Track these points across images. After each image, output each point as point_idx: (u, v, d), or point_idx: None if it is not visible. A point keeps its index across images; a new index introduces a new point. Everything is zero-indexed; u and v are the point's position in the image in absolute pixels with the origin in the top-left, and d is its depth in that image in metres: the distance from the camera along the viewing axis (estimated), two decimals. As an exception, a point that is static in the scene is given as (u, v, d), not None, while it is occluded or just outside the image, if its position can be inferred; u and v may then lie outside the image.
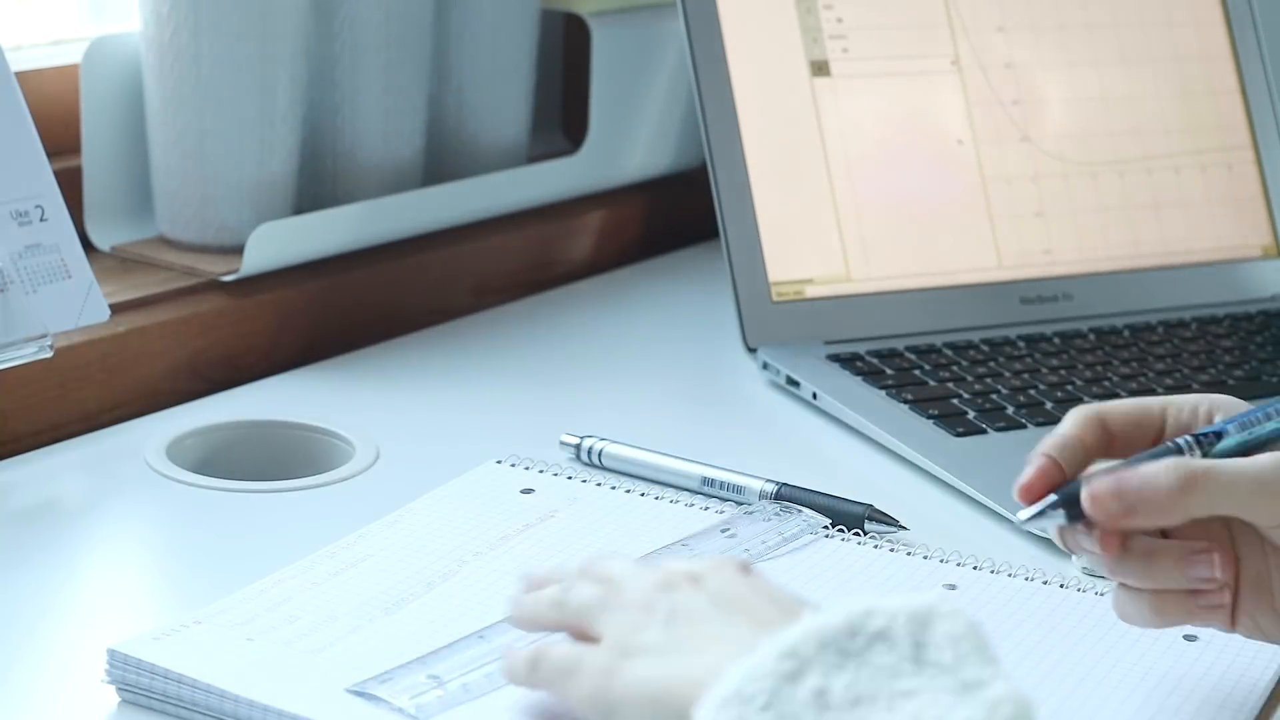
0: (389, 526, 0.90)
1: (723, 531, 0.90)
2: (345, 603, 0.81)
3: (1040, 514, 0.75)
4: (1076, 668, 0.81)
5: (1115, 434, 0.77)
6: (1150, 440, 0.78)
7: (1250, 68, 1.32)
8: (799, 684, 0.60)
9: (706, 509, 0.94)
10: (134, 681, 0.75)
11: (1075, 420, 0.77)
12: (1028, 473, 0.76)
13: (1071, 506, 0.74)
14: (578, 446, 1.01)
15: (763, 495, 0.96)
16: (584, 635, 0.71)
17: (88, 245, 1.15)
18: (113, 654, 0.75)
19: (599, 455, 1.00)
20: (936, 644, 0.61)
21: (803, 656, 0.60)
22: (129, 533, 0.96)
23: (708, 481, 0.98)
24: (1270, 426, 0.76)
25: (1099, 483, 0.73)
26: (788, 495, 0.95)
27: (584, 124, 1.38)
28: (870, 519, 0.93)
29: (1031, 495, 0.75)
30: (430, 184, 1.29)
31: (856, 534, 0.92)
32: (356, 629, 0.79)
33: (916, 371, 1.13)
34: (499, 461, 0.99)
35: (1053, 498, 0.75)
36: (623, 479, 0.98)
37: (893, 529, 0.93)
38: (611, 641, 0.68)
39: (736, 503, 0.96)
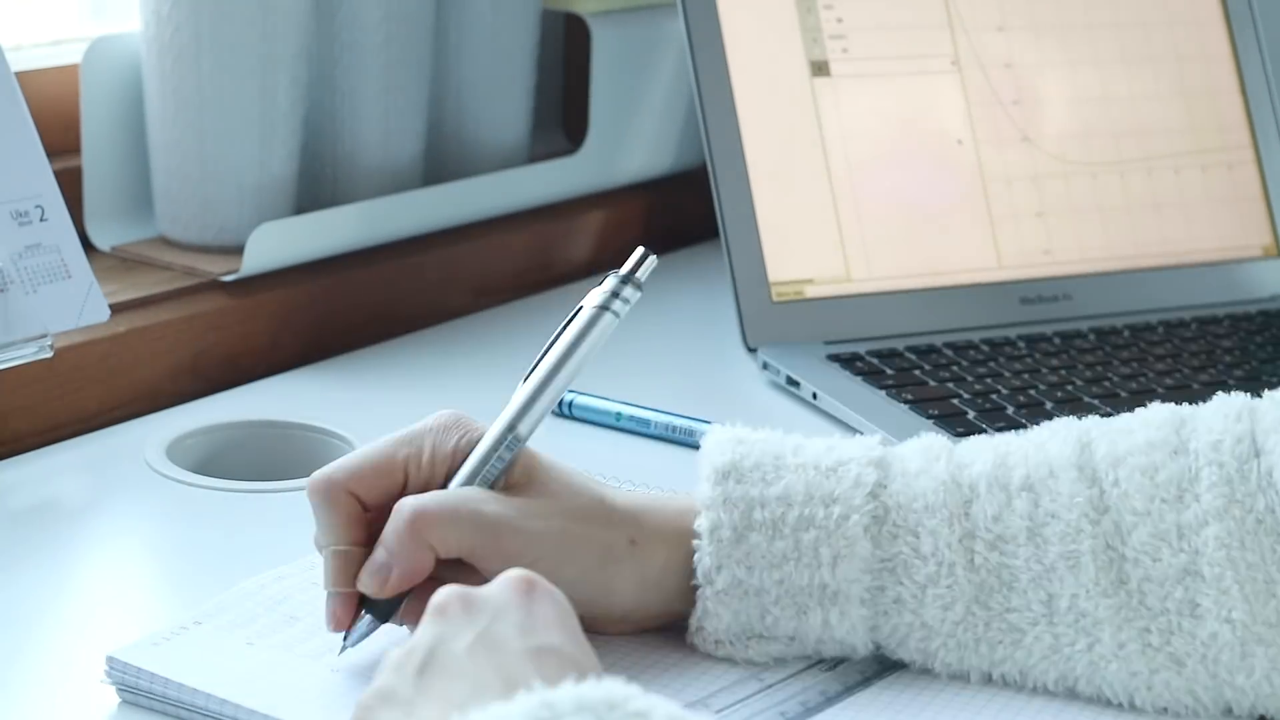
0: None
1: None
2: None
3: (356, 634, 0.77)
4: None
5: (364, 498, 0.78)
6: (399, 489, 0.79)
7: (1250, 67, 1.32)
8: None
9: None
10: (133, 685, 0.75)
11: (336, 522, 0.78)
12: (335, 615, 0.77)
13: (383, 611, 0.77)
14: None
15: None
16: None
17: (88, 245, 1.15)
18: (112, 660, 0.75)
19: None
20: None
21: (558, 710, 0.59)
22: (129, 533, 0.96)
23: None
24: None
25: (363, 579, 0.76)
26: None
27: (584, 124, 1.38)
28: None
29: (347, 626, 0.77)
30: (430, 184, 1.29)
31: None
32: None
33: (916, 372, 1.13)
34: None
35: (367, 618, 0.77)
36: (622, 480, 0.98)
37: None
38: (378, 681, 0.65)
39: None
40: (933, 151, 1.24)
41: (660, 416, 1.05)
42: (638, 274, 0.83)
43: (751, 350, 1.16)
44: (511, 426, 0.79)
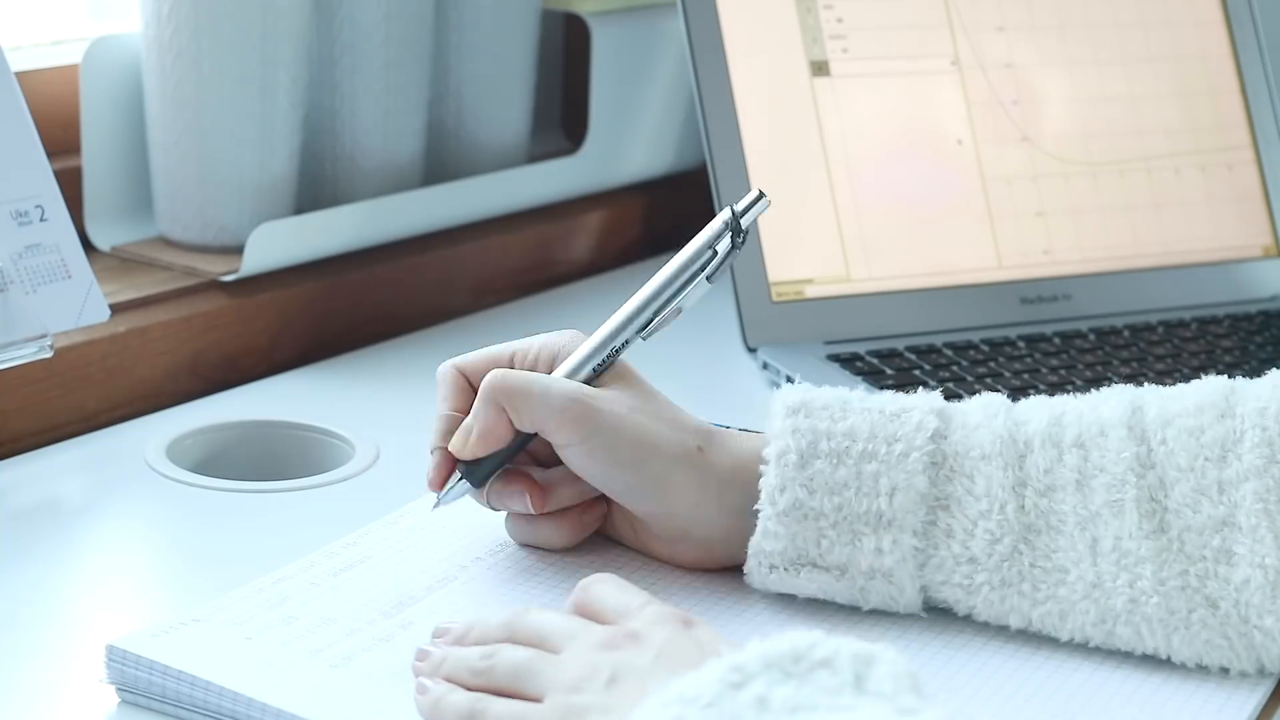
0: (389, 527, 0.90)
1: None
2: (344, 605, 0.81)
3: (449, 492, 0.87)
4: (1075, 673, 0.81)
5: (472, 379, 0.88)
6: None
7: (1250, 67, 1.32)
8: (741, 690, 0.63)
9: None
10: (131, 678, 0.75)
11: (446, 394, 0.88)
12: (431, 471, 0.87)
13: (471, 474, 0.86)
14: None
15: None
16: (517, 695, 0.71)
17: (88, 245, 1.15)
18: (111, 649, 0.75)
19: None
20: (877, 678, 0.64)
21: (747, 671, 0.64)
22: (128, 532, 0.96)
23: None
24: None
25: (452, 440, 0.86)
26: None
27: (584, 124, 1.38)
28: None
29: (440, 484, 0.87)
30: (430, 184, 1.29)
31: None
32: (354, 632, 0.79)
33: (916, 371, 1.13)
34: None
35: (457, 475, 0.87)
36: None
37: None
38: (554, 702, 0.69)
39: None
40: (933, 151, 1.24)
41: None
42: (748, 214, 0.89)
43: (751, 350, 1.16)
44: (612, 336, 0.87)
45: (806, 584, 0.83)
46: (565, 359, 0.87)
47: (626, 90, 1.40)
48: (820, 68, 1.22)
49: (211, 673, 0.74)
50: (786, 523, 0.82)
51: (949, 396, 1.08)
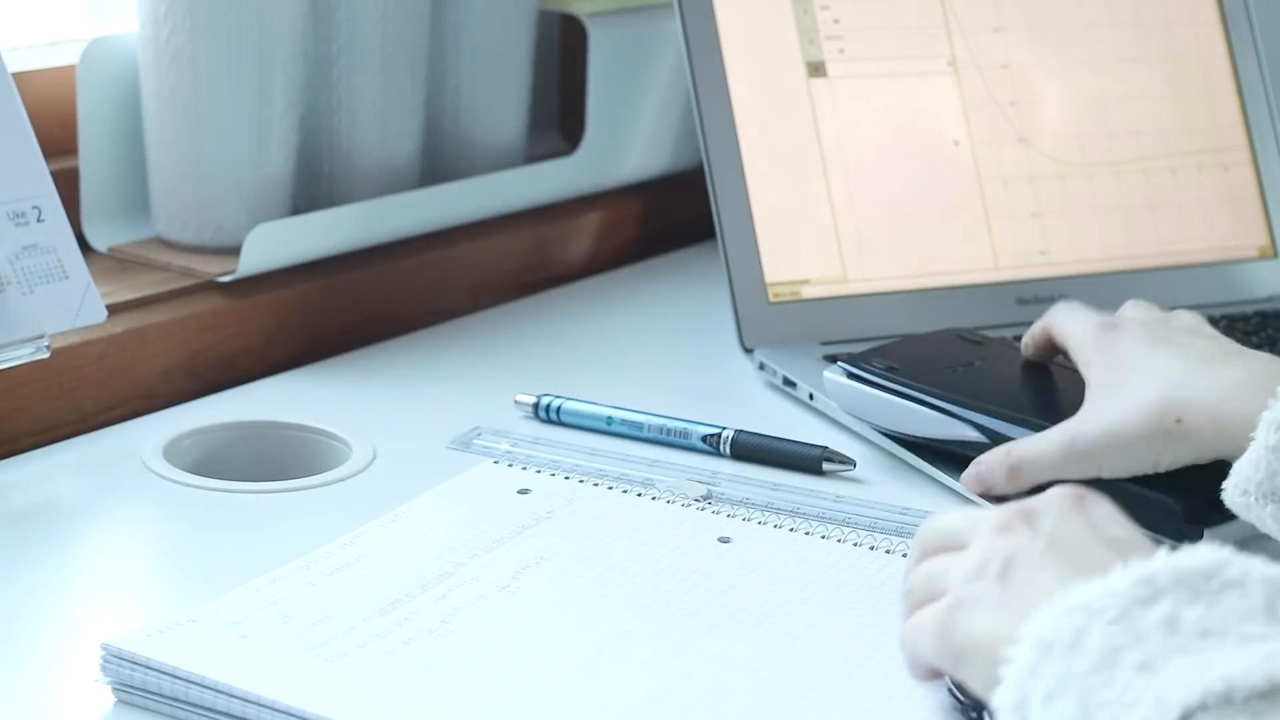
0: (385, 526, 0.90)
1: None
2: (339, 603, 0.81)
3: None
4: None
5: None
6: None
7: (1246, 68, 1.32)
8: (1150, 608, 0.62)
9: (703, 509, 0.94)
10: (127, 677, 0.75)
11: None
12: None
13: None
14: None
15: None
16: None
17: (85, 246, 1.15)
18: (107, 648, 0.75)
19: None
20: None
21: (1157, 585, 0.63)
22: (126, 533, 0.96)
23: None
24: None
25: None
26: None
27: (581, 125, 1.38)
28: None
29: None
30: (427, 184, 1.29)
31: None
32: (350, 629, 0.79)
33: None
34: (496, 462, 0.99)
35: None
36: (618, 480, 0.98)
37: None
38: (951, 596, 0.70)
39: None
40: (929, 152, 1.24)
41: (653, 419, 1.05)
42: None
43: (748, 351, 1.16)
44: None
45: (1272, 518, 0.84)
46: None
47: (623, 91, 1.40)
48: (817, 69, 1.22)
49: (207, 670, 0.74)
50: (1270, 460, 0.84)
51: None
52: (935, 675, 0.73)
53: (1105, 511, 0.71)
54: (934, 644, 0.70)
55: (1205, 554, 0.63)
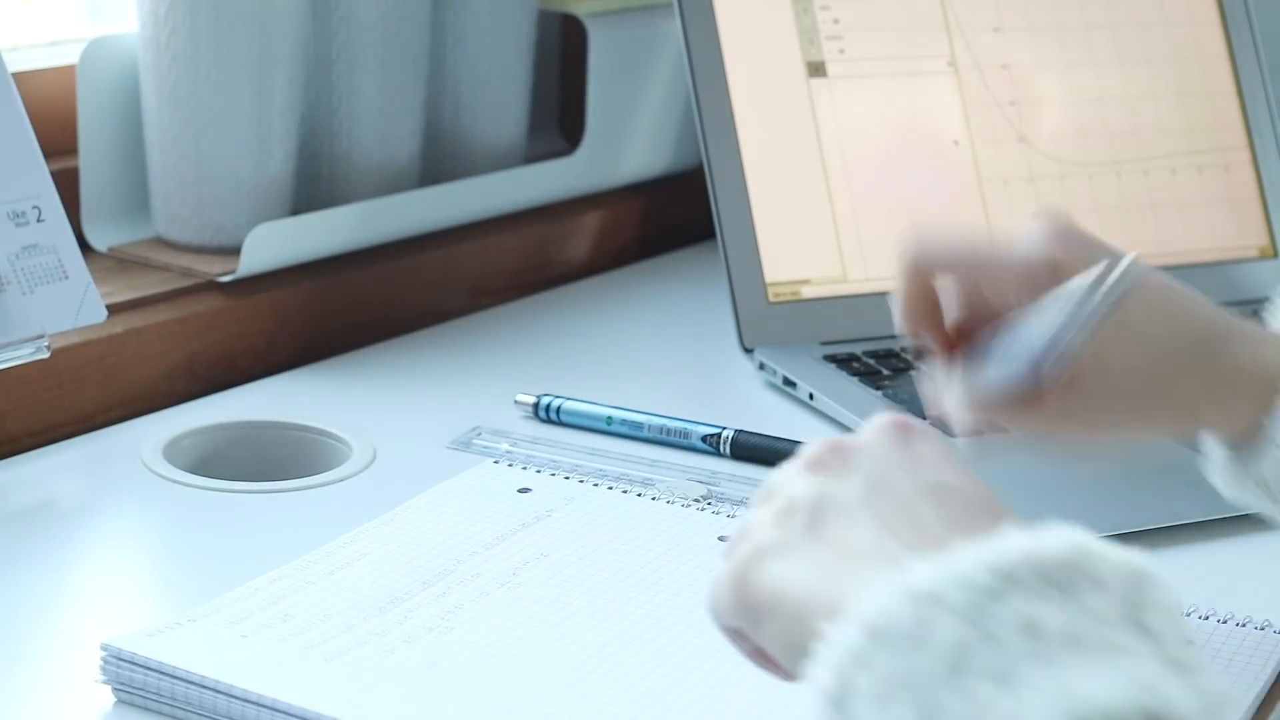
0: (385, 525, 0.90)
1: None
2: (339, 601, 0.81)
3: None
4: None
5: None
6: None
7: (1246, 68, 1.32)
8: (1005, 603, 0.54)
9: (703, 510, 0.94)
10: (127, 678, 0.75)
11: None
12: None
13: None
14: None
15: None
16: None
17: (85, 246, 1.15)
18: (107, 648, 0.75)
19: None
20: (1151, 608, 0.55)
21: (1013, 578, 0.55)
22: (125, 533, 0.96)
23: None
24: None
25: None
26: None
27: (581, 124, 1.38)
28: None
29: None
30: (427, 184, 1.29)
31: None
32: (350, 627, 0.79)
33: (913, 372, 1.13)
34: (496, 461, 0.99)
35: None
36: (618, 480, 0.98)
37: None
38: (753, 541, 0.62)
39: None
40: (929, 152, 1.24)
41: (653, 419, 1.05)
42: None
43: (748, 351, 1.16)
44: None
45: (1254, 499, 0.79)
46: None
47: (623, 91, 1.40)
48: (817, 68, 1.22)
49: (206, 669, 0.74)
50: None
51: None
52: (744, 637, 0.64)
53: (933, 449, 0.63)
54: (731, 597, 0.62)
55: (1063, 542, 0.56)
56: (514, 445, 1.04)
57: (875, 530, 0.60)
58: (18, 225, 0.98)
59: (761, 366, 1.15)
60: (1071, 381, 0.74)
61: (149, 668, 0.75)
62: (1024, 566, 0.55)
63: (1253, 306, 1.27)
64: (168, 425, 1.04)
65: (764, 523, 0.62)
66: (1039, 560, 0.55)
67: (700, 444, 1.04)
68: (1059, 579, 0.55)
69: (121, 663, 0.75)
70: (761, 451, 1.03)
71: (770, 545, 0.61)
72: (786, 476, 0.64)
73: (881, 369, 1.13)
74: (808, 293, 1.19)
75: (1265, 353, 0.79)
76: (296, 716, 0.72)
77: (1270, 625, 0.84)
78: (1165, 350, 0.77)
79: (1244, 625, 0.84)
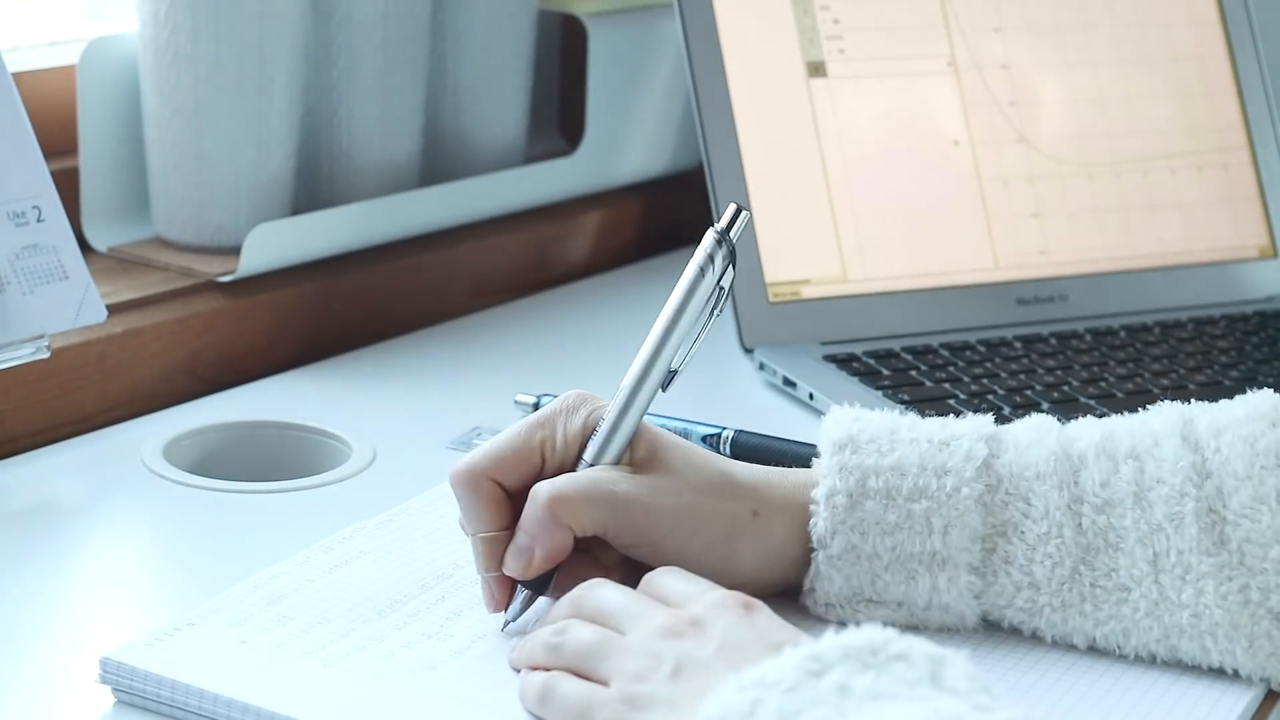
0: (383, 525, 0.90)
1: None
2: (338, 604, 0.81)
3: (522, 611, 0.80)
4: (1064, 675, 0.81)
5: (506, 484, 0.81)
6: (537, 472, 0.82)
7: (1246, 68, 1.32)
8: (822, 678, 0.64)
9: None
10: (127, 684, 0.75)
11: (481, 510, 0.80)
12: (492, 596, 0.81)
13: (535, 585, 0.80)
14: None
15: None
16: (586, 676, 0.73)
17: (85, 246, 1.15)
18: (105, 662, 0.75)
19: None
20: (952, 675, 0.65)
21: (826, 660, 0.65)
22: (126, 533, 0.96)
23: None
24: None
25: (508, 564, 0.80)
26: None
27: (581, 125, 1.38)
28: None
29: (505, 605, 0.81)
30: (427, 185, 1.29)
31: None
32: (349, 632, 0.79)
33: (913, 372, 1.13)
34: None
35: (523, 594, 0.80)
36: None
37: None
38: (619, 690, 0.71)
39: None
40: (929, 152, 1.24)
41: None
42: (731, 231, 0.85)
43: (748, 351, 1.16)
44: (627, 403, 0.82)
45: (865, 617, 0.82)
46: (594, 436, 0.82)
47: (623, 91, 1.40)
48: (817, 68, 1.22)
49: (206, 680, 0.74)
50: (840, 565, 0.81)
51: (945, 398, 1.09)
52: None
53: (770, 619, 0.72)
54: None
55: (870, 632, 0.66)
56: (514, 445, 1.04)
57: (727, 672, 0.67)
58: (18, 225, 0.98)
59: (761, 366, 1.15)
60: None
61: (148, 680, 0.75)
62: (834, 651, 0.65)
63: (1253, 306, 1.27)
64: (168, 425, 1.04)
65: (625, 674, 0.71)
66: (847, 645, 0.66)
67: (700, 444, 1.04)
68: (868, 658, 0.65)
69: (121, 674, 0.75)
70: (761, 451, 1.02)
71: (641, 698, 0.70)
72: (639, 629, 0.72)
73: (881, 369, 1.13)
74: (808, 293, 1.19)
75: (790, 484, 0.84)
76: (295, 724, 0.72)
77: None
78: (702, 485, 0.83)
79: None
